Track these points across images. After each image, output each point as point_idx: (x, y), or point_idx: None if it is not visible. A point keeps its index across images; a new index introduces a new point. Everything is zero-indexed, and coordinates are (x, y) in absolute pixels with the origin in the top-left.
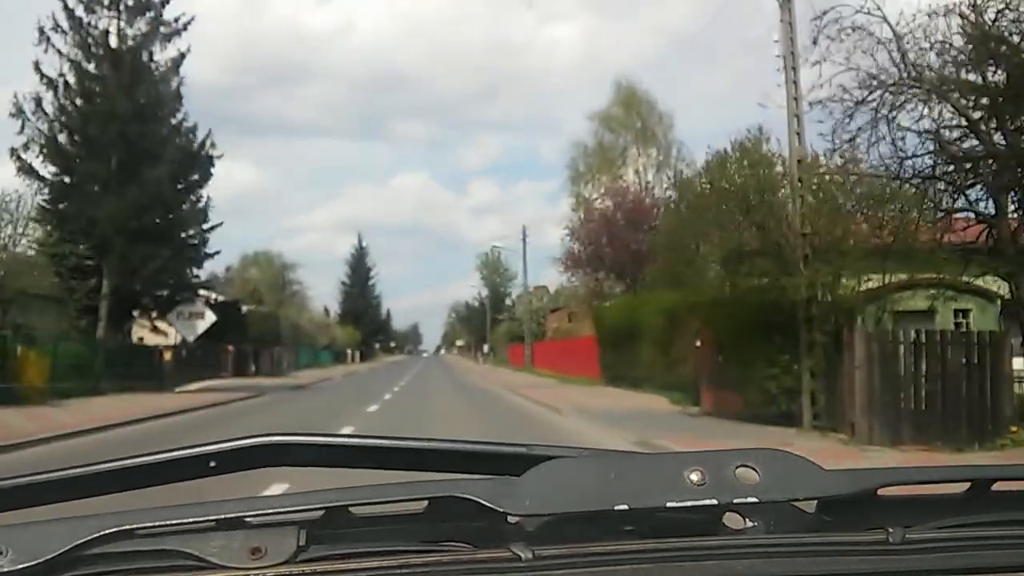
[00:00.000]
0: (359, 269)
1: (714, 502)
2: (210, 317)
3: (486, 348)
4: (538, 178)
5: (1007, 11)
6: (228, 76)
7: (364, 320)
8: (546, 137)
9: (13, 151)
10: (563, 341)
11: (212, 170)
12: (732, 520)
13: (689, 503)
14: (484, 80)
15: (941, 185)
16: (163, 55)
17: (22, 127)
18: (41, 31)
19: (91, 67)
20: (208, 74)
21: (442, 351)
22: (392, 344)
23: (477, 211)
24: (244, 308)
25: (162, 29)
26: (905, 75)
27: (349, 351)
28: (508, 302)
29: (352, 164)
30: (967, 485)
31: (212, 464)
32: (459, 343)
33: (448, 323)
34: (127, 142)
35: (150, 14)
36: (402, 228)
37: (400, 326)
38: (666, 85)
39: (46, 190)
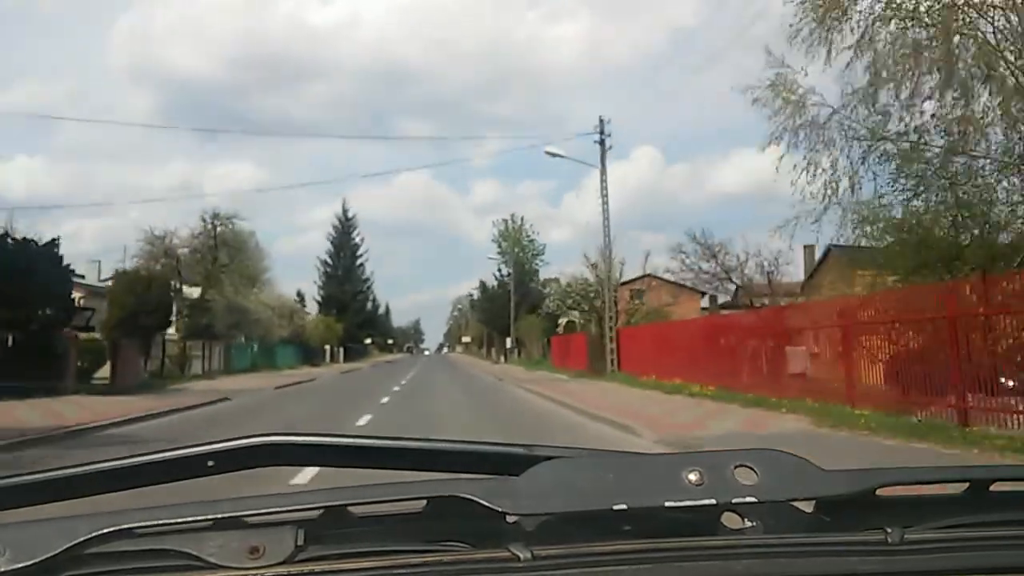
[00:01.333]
0: (343, 246)
1: (713, 502)
2: None
3: (509, 343)
4: (541, 178)
5: None
6: (231, 73)
7: (350, 310)
8: (549, 137)
9: None
10: (707, 321)
11: None
12: (731, 520)
13: (687, 503)
14: (488, 79)
15: None
16: None
17: None
18: None
19: None
20: (212, 72)
21: (445, 349)
22: (390, 341)
23: (480, 210)
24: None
25: None
26: None
27: (328, 348)
28: (535, 286)
29: (355, 162)
30: (966, 485)
31: (210, 463)
32: (465, 339)
33: (453, 317)
34: None
35: None
36: (404, 227)
37: (401, 324)
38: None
39: None
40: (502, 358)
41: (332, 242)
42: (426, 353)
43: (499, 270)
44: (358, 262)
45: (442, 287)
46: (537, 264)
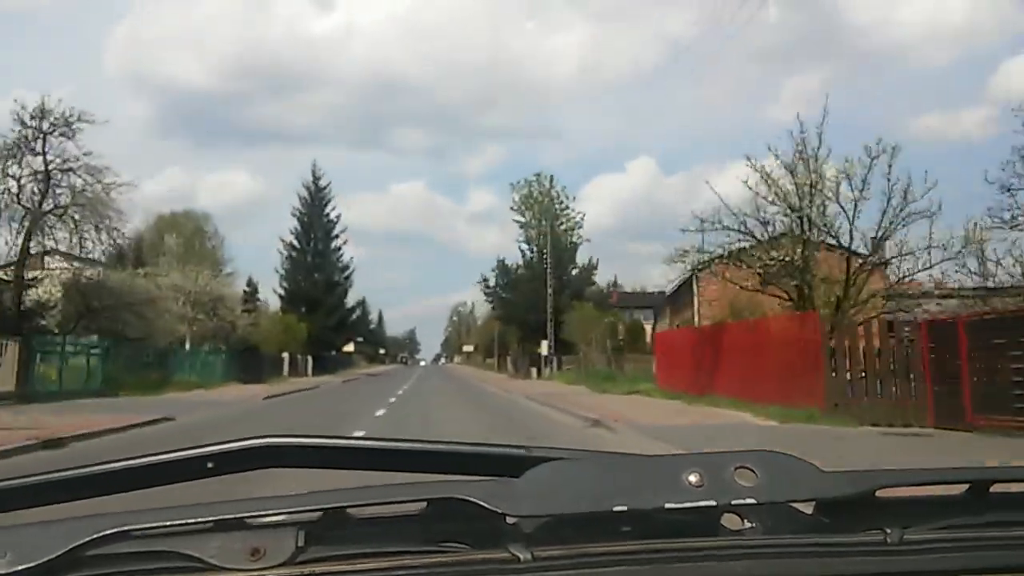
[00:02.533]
0: (314, 223)
1: (712, 503)
2: None
3: (546, 348)
4: None
5: None
6: (228, 83)
7: (323, 307)
8: (545, 145)
9: None
10: None
11: None
12: (730, 521)
13: (687, 504)
14: (484, 88)
15: None
16: None
17: None
18: None
19: None
20: (209, 81)
21: (442, 360)
22: (382, 351)
23: (476, 219)
24: None
25: None
26: None
27: (286, 356)
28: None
29: (351, 172)
30: (966, 486)
31: (210, 465)
32: (467, 348)
33: (452, 323)
34: None
35: None
36: (401, 236)
37: (395, 333)
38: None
39: None
40: (534, 371)
41: (299, 218)
42: (422, 364)
43: (527, 246)
44: (334, 244)
45: (439, 298)
46: (573, 240)
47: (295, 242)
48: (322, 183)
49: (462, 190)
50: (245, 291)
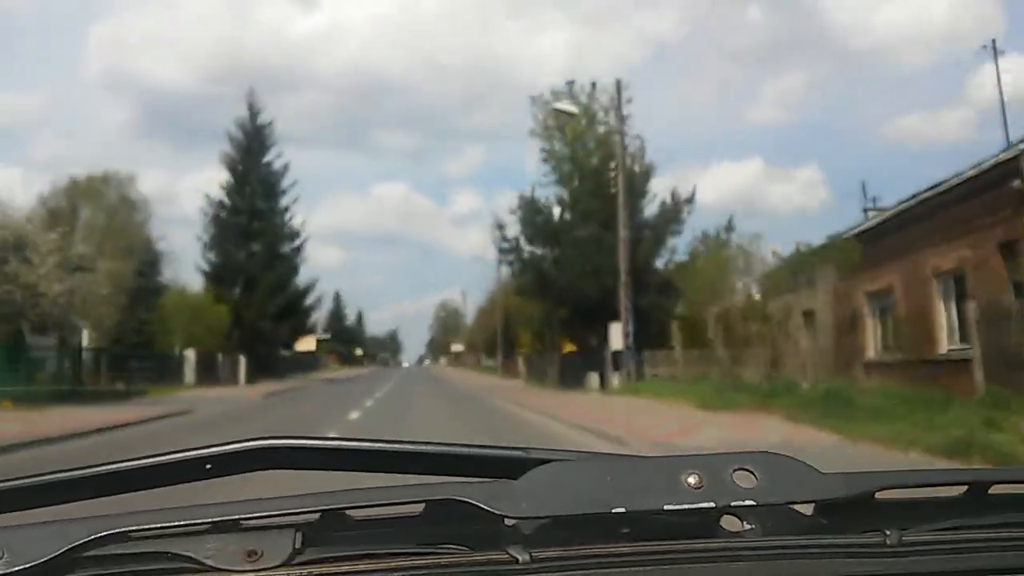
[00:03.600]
0: (250, 172)
1: (711, 505)
2: None
3: (616, 337)
4: (520, 187)
5: None
6: (209, 86)
7: (262, 285)
8: (528, 146)
9: None
10: None
11: None
12: (730, 523)
13: (686, 506)
14: (467, 90)
15: None
16: None
17: None
18: None
19: None
20: (189, 83)
21: (426, 362)
22: (360, 352)
23: (459, 221)
24: None
25: None
26: None
27: (191, 355)
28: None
29: (333, 174)
30: (964, 488)
31: (208, 467)
32: (456, 347)
33: (439, 319)
34: None
35: None
36: (383, 238)
37: (376, 334)
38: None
39: None
40: (595, 377)
41: (231, 168)
42: (405, 365)
43: (558, 188)
44: (280, 203)
45: (424, 300)
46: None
47: (224, 199)
48: (262, 120)
49: (444, 192)
50: (141, 262)
